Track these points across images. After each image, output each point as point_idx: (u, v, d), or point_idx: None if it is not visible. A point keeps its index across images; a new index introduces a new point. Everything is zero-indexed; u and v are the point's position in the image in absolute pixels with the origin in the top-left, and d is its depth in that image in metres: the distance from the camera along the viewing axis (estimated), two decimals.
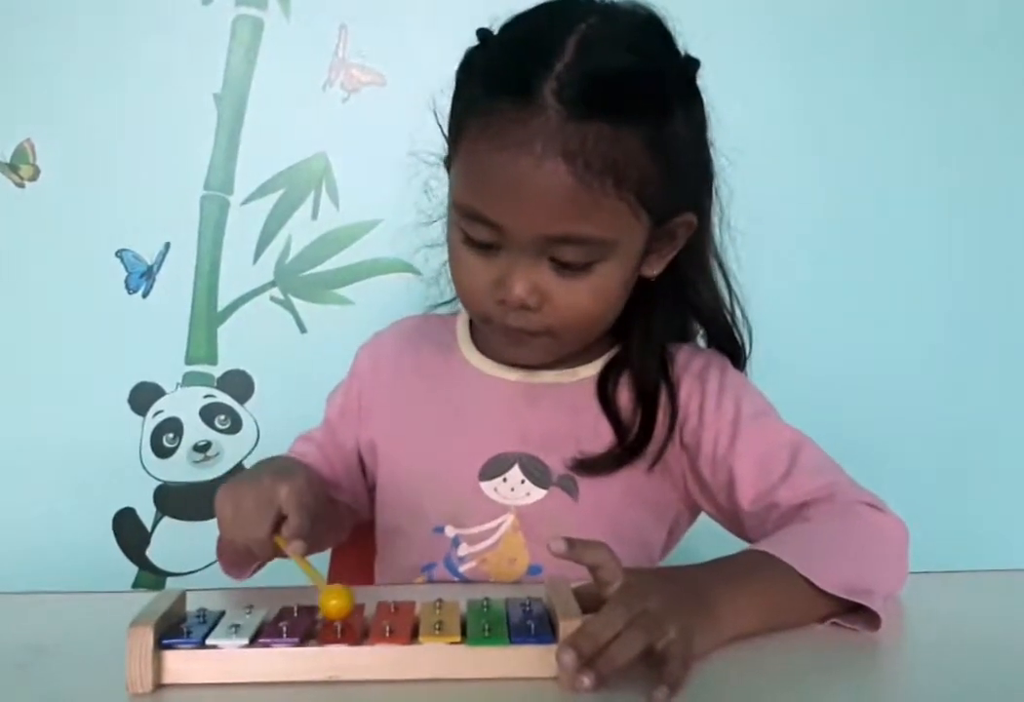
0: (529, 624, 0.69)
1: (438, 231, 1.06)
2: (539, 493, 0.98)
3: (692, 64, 0.89)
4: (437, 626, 0.69)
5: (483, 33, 0.91)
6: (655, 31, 0.89)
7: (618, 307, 0.94)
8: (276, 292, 1.65)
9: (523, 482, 0.98)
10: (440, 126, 0.95)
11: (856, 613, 0.78)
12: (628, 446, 0.96)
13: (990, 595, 0.90)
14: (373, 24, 1.61)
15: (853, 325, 1.67)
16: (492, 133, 0.83)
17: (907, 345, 1.68)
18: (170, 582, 1.67)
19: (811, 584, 0.76)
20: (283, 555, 0.83)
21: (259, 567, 0.96)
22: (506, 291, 0.88)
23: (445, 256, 1.07)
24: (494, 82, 0.85)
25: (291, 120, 1.62)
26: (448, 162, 0.94)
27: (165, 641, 0.68)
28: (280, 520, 0.83)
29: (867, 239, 1.67)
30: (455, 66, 0.92)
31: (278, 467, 0.91)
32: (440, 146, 0.97)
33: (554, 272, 0.88)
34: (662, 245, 0.94)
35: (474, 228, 0.88)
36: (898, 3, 1.65)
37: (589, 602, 0.69)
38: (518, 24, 0.90)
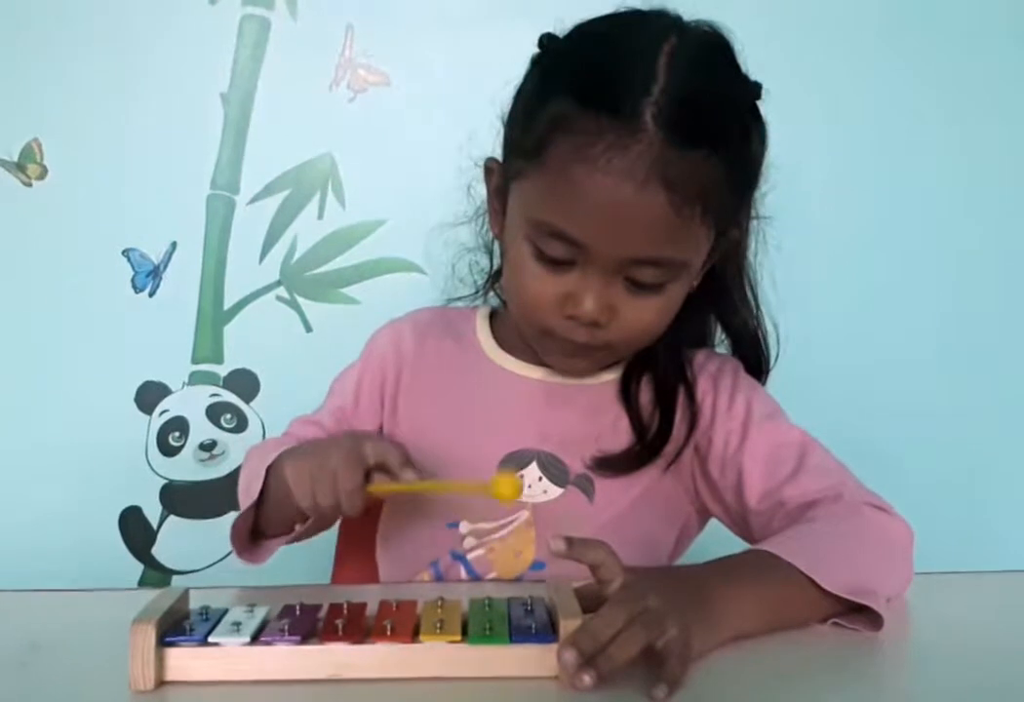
0: (530, 623, 0.69)
1: (467, 231, 1.06)
2: (556, 491, 0.98)
3: (758, 88, 0.89)
4: (438, 625, 0.69)
5: (552, 39, 0.90)
6: (729, 53, 0.89)
7: (671, 320, 0.94)
8: (282, 291, 1.65)
9: (540, 479, 0.98)
10: (507, 132, 0.94)
11: (858, 613, 0.78)
12: (648, 446, 0.97)
13: (995, 596, 0.90)
14: (380, 24, 1.61)
15: (862, 328, 1.67)
16: (590, 155, 0.82)
17: (916, 348, 1.68)
18: (176, 580, 1.67)
19: (814, 584, 0.76)
20: (368, 507, 0.87)
21: (276, 549, 0.96)
22: (577, 307, 0.88)
23: (471, 256, 1.07)
24: (588, 100, 0.83)
25: (297, 120, 1.63)
26: (506, 171, 0.93)
27: (167, 639, 0.68)
28: (367, 473, 0.84)
29: (891, 251, 1.67)
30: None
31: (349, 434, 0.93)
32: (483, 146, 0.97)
33: (626, 290, 0.88)
34: (709, 258, 0.94)
35: (552, 245, 0.87)
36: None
37: (591, 601, 0.69)
38: (597, 36, 0.89)
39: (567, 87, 0.85)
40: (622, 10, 0.90)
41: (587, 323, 0.89)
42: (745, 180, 0.89)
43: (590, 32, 0.90)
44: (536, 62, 0.91)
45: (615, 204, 0.82)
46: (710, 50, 0.88)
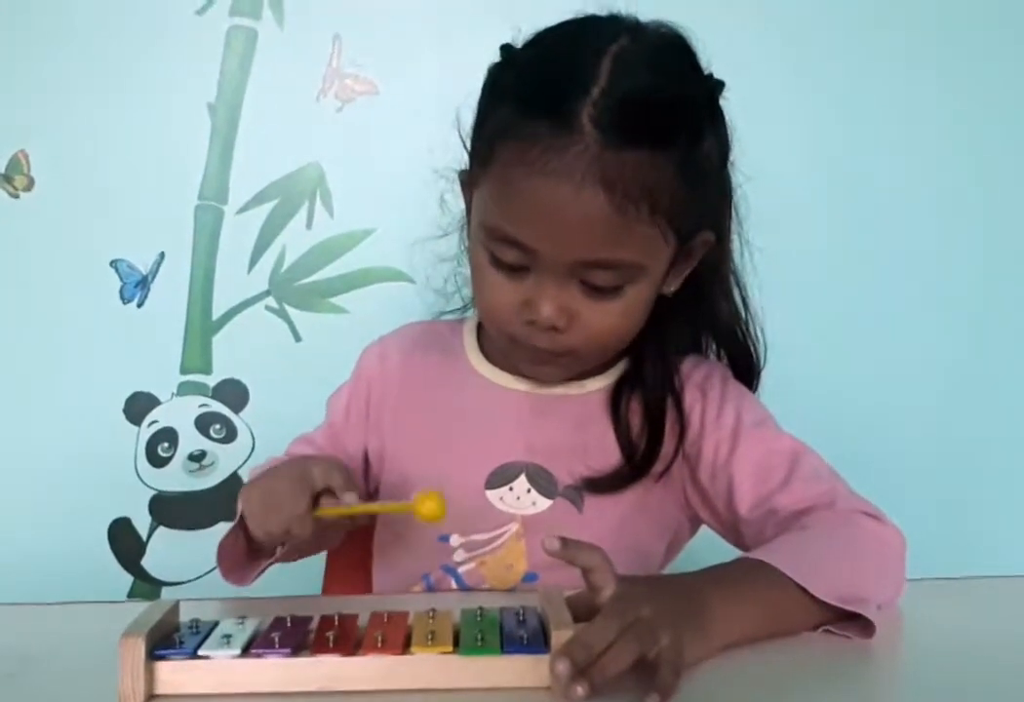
0: (522, 634, 0.69)
1: (447, 243, 1.06)
2: (545, 503, 0.98)
3: (718, 86, 0.89)
4: (430, 636, 0.69)
5: (508, 50, 0.90)
6: (683, 53, 0.89)
7: (640, 325, 0.94)
8: (271, 301, 1.65)
9: (529, 491, 0.98)
10: (463, 142, 0.94)
11: (850, 621, 0.77)
12: (636, 465, 0.97)
13: (988, 602, 0.90)
14: (366, 34, 1.61)
15: (857, 334, 1.68)
16: (529, 159, 0.82)
17: (906, 353, 1.69)
18: (165, 592, 1.67)
19: (805, 592, 0.76)
20: (322, 529, 0.85)
21: (261, 572, 0.95)
22: (535, 312, 0.88)
23: (452, 268, 1.07)
24: (528, 105, 0.84)
25: (285, 130, 1.63)
26: (469, 179, 0.93)
27: (157, 652, 0.67)
28: (315, 497, 0.84)
29: (882, 255, 1.68)
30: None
31: (300, 459, 0.92)
32: (452, 158, 0.97)
33: (583, 294, 0.88)
34: (680, 263, 0.94)
35: (504, 251, 0.87)
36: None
37: (583, 610, 0.69)
38: (546, 43, 0.89)
39: (511, 94, 0.86)
40: (579, 16, 0.90)
41: (546, 328, 0.88)
42: (700, 180, 0.87)
43: (541, 39, 0.89)
44: (490, 72, 0.91)
45: (555, 206, 0.82)
46: (660, 50, 0.87)
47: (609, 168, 0.81)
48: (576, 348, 0.91)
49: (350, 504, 0.83)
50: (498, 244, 0.87)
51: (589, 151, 0.81)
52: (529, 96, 0.85)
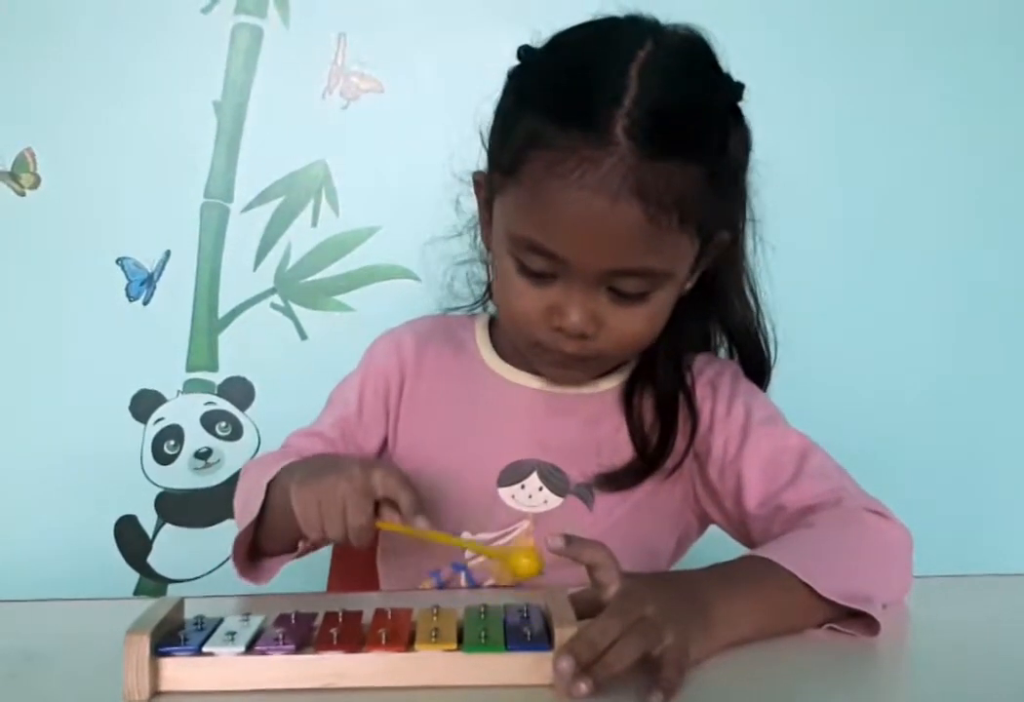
0: (526, 631, 0.69)
1: (458, 241, 1.06)
2: (556, 501, 0.98)
3: (739, 89, 0.88)
4: (434, 633, 0.69)
5: (527, 53, 0.89)
6: (707, 57, 0.88)
7: (662, 327, 0.94)
8: (276, 299, 1.65)
9: (541, 489, 0.98)
10: (484, 145, 0.94)
11: (855, 619, 0.77)
12: (649, 460, 0.97)
13: (994, 600, 0.90)
14: (371, 32, 1.61)
15: (866, 334, 1.68)
16: (562, 171, 0.82)
17: (912, 350, 1.69)
18: (171, 589, 1.67)
19: (810, 590, 0.76)
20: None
21: (279, 568, 0.95)
22: (563, 319, 0.88)
23: (461, 266, 1.07)
24: (559, 115, 0.83)
25: (291, 128, 1.63)
26: (488, 184, 0.93)
27: (162, 649, 0.67)
28: (376, 505, 0.82)
29: (891, 253, 1.68)
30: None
31: (349, 458, 0.90)
32: (471, 161, 0.96)
33: (610, 300, 0.88)
34: (699, 263, 0.94)
35: (532, 259, 0.87)
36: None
37: (587, 608, 0.69)
38: (570, 48, 0.88)
39: (540, 102, 0.85)
40: (597, 18, 0.89)
41: (574, 335, 0.88)
42: (727, 184, 0.88)
43: (563, 43, 0.89)
44: (512, 76, 0.91)
45: (590, 218, 0.82)
46: (685, 55, 0.87)
47: (644, 179, 0.81)
48: (603, 352, 0.92)
49: (420, 529, 0.80)
50: (526, 253, 0.87)
51: (624, 162, 0.80)
52: (559, 105, 0.84)
